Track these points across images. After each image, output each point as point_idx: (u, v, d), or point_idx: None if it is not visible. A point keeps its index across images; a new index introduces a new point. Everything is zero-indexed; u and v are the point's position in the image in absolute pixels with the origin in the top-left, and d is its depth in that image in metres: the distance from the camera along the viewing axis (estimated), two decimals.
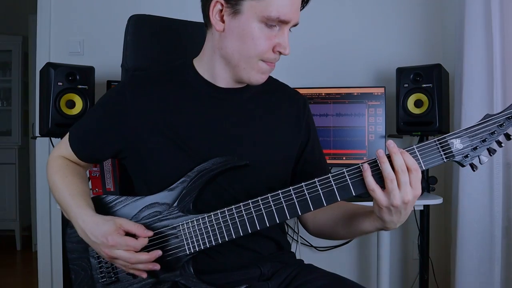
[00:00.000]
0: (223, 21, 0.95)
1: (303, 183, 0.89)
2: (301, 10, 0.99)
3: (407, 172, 0.82)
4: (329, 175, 0.88)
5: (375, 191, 0.84)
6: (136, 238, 0.92)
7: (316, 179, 0.88)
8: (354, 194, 0.87)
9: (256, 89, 1.07)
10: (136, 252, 0.91)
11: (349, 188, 0.87)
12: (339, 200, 0.88)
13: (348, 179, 0.87)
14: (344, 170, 0.87)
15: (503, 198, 1.84)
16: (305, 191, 0.88)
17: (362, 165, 0.85)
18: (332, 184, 0.87)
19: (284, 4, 0.91)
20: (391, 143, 0.83)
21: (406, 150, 0.85)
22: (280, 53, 0.96)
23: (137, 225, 0.94)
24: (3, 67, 4.10)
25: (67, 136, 1.10)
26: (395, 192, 0.82)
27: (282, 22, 0.93)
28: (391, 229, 0.91)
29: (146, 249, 0.93)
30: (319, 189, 0.88)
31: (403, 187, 0.82)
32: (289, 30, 0.97)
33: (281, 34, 0.95)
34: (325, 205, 0.88)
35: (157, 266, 0.93)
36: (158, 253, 0.92)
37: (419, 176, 0.83)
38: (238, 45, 0.95)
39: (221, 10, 0.95)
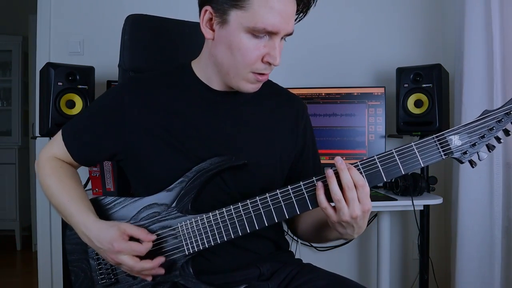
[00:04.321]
0: (212, 30, 0.95)
1: (301, 182, 0.89)
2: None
3: (354, 189, 0.84)
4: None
5: (327, 209, 0.86)
6: (140, 242, 0.92)
7: (314, 178, 0.89)
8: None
9: (254, 93, 1.07)
10: (142, 255, 0.92)
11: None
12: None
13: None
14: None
15: (503, 198, 1.84)
16: (304, 190, 0.89)
17: (316, 182, 0.87)
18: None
19: (271, 16, 0.88)
20: (338, 159, 0.84)
21: (405, 147, 0.85)
22: (270, 63, 0.93)
23: (140, 229, 0.94)
24: (3, 67, 4.09)
25: (59, 135, 1.08)
26: (344, 209, 0.84)
27: (271, 33, 0.90)
28: (349, 239, 0.95)
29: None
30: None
31: (351, 204, 0.84)
32: (284, 39, 0.94)
33: (271, 44, 0.91)
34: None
35: (161, 271, 0.93)
36: (161, 260, 0.93)
37: (366, 191, 0.84)
38: (227, 55, 0.93)
39: (211, 19, 0.94)
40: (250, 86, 0.97)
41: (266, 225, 0.91)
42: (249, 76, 0.95)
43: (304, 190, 0.89)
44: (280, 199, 0.90)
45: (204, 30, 0.96)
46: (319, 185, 0.86)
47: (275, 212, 0.90)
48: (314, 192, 0.88)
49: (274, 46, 0.91)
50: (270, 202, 0.90)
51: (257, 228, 0.91)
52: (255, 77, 0.95)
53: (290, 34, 0.94)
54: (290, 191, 0.89)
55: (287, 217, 0.90)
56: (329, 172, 0.85)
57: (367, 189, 0.85)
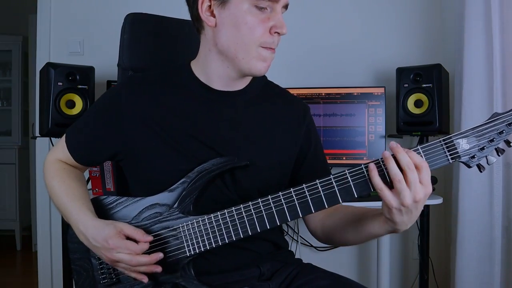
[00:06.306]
0: (214, 16, 0.96)
1: (304, 185, 0.88)
2: None
3: (415, 170, 0.79)
4: (331, 176, 0.87)
5: (384, 191, 0.81)
6: (137, 243, 0.92)
7: (317, 180, 0.87)
8: (356, 196, 0.86)
9: (254, 93, 1.06)
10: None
11: (351, 189, 0.85)
12: (340, 202, 0.86)
13: (350, 180, 0.85)
14: (346, 171, 0.86)
15: (503, 198, 1.84)
16: (306, 193, 0.88)
17: (368, 165, 0.83)
18: (334, 186, 0.86)
19: None
20: (394, 143, 0.81)
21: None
22: (278, 34, 0.95)
23: (137, 230, 0.93)
24: (3, 67, 4.09)
25: (63, 138, 1.09)
26: (405, 192, 0.78)
27: (272, 1, 0.92)
28: (401, 231, 0.87)
29: (147, 251, 0.93)
30: (321, 191, 0.87)
31: (412, 186, 0.78)
32: (285, 9, 0.97)
33: (274, 15, 0.94)
34: (326, 207, 0.87)
35: (158, 269, 0.92)
36: (159, 255, 0.92)
37: (429, 173, 0.80)
38: (233, 35, 0.94)
39: (210, 6, 0.96)
40: (261, 65, 0.97)
41: (268, 227, 0.90)
42: (259, 51, 0.95)
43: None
44: (282, 201, 0.89)
45: (205, 18, 0.96)
46: (372, 166, 0.81)
47: (277, 214, 0.89)
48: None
49: (278, 15, 0.94)
50: (272, 205, 0.89)
51: (258, 231, 0.90)
52: (266, 50, 0.95)
53: (287, 4, 0.97)
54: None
55: (289, 220, 0.89)
56: (386, 153, 0.80)
57: (429, 171, 0.80)
